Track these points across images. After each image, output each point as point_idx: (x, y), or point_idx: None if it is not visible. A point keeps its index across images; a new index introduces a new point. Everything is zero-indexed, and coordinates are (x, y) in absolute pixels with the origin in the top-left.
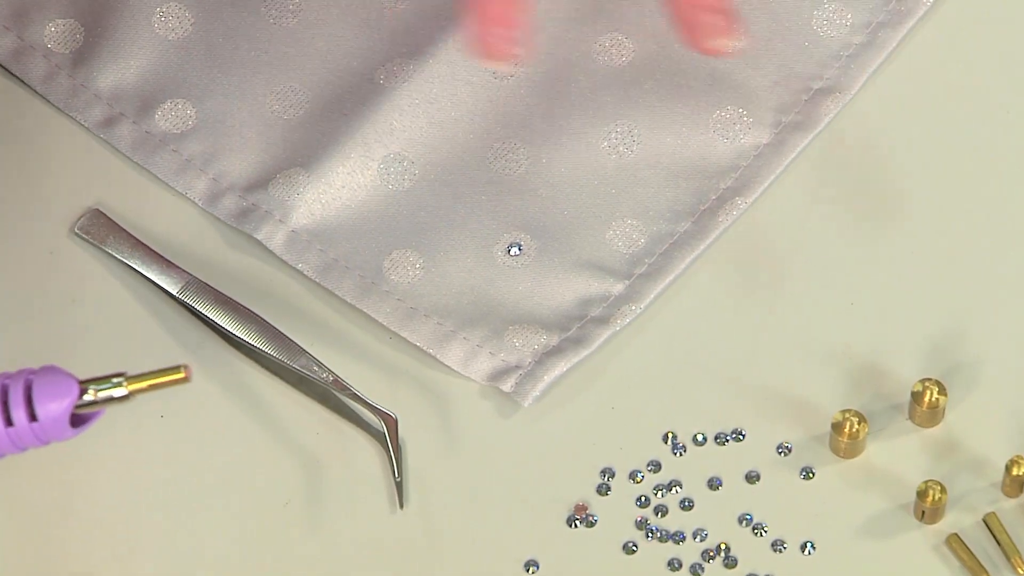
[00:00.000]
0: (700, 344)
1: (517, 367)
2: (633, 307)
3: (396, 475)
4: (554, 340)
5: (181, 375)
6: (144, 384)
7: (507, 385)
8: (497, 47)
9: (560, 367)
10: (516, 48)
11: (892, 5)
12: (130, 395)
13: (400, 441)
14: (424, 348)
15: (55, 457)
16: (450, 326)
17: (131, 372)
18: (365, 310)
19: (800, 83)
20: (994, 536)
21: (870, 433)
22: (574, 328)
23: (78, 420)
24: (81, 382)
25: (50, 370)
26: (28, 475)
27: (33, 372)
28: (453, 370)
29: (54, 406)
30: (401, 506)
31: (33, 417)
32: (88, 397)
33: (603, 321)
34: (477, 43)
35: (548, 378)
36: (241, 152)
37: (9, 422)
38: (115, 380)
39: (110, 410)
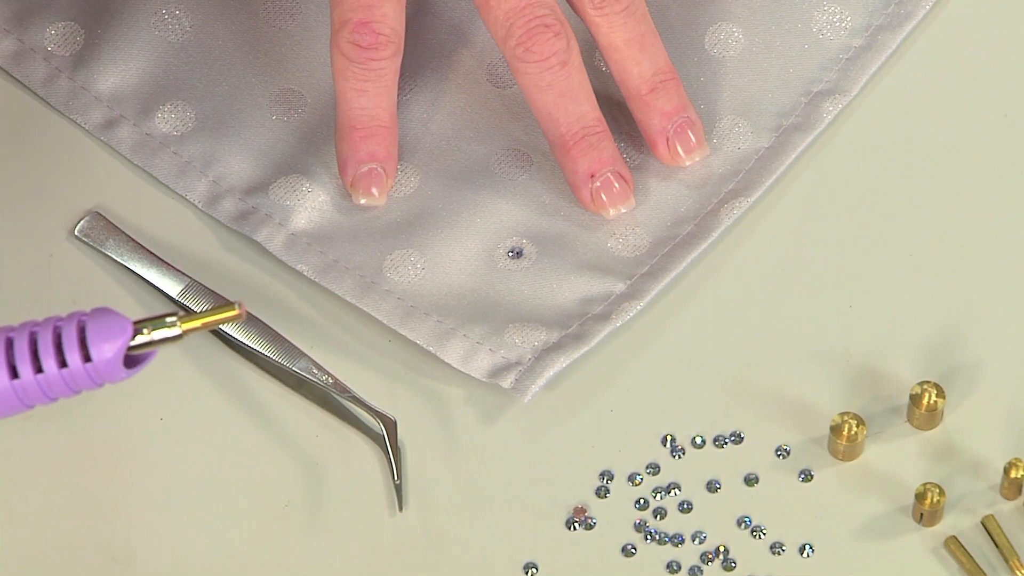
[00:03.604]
0: (699, 347)
1: (517, 363)
2: (634, 304)
3: (395, 477)
4: (554, 337)
5: (235, 311)
6: (198, 323)
7: (507, 381)
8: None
9: (560, 362)
10: (381, 183)
11: (891, 8)
12: (184, 335)
13: (399, 444)
14: (424, 346)
15: (55, 457)
16: (450, 324)
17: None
18: (365, 308)
19: (800, 86)
20: (992, 538)
21: (869, 436)
22: (574, 325)
23: (132, 361)
24: (135, 323)
25: (103, 311)
26: (28, 474)
27: (86, 314)
28: (453, 372)
29: (107, 347)
30: (400, 508)
31: (87, 358)
32: (142, 338)
33: (603, 318)
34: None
35: (548, 373)
36: (241, 155)
37: (63, 364)
38: (169, 320)
39: (108, 410)
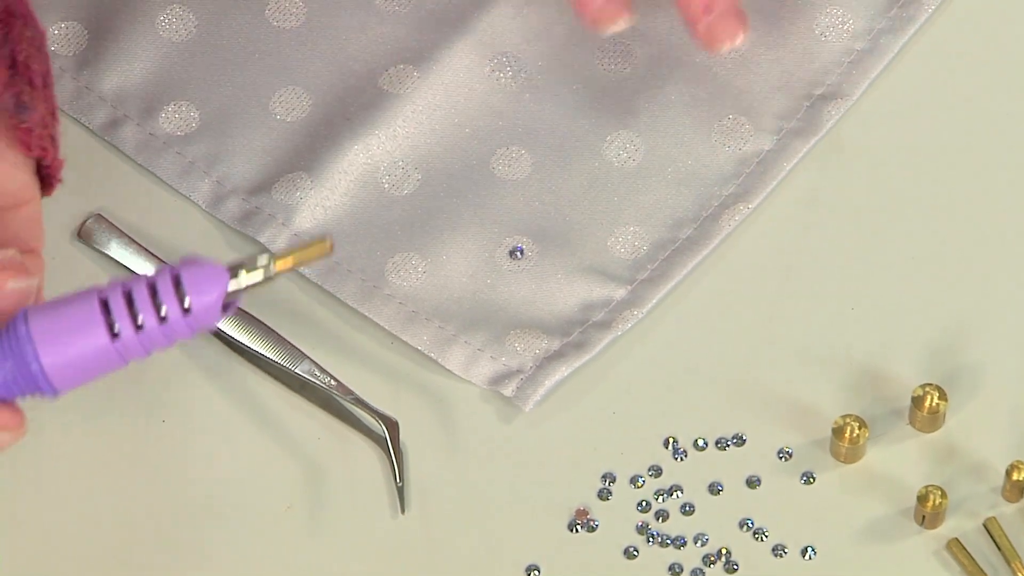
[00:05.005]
0: (701, 349)
1: (518, 371)
2: (635, 312)
3: (397, 480)
4: (555, 344)
5: (325, 246)
6: (290, 262)
7: (508, 389)
8: (603, 12)
9: (561, 371)
10: (620, 9)
11: (894, 11)
12: (278, 274)
13: (401, 446)
14: (425, 352)
15: (56, 460)
16: (451, 330)
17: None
18: (367, 313)
19: (802, 89)
20: (994, 541)
21: (871, 438)
22: (575, 332)
23: (224, 306)
24: (228, 267)
25: (193, 261)
26: (29, 477)
27: (178, 266)
28: (454, 374)
29: (206, 296)
30: (402, 511)
31: (185, 310)
32: (237, 282)
33: (604, 326)
34: (583, 12)
35: (549, 382)
36: (244, 155)
37: (162, 318)
38: (261, 262)
39: (110, 413)
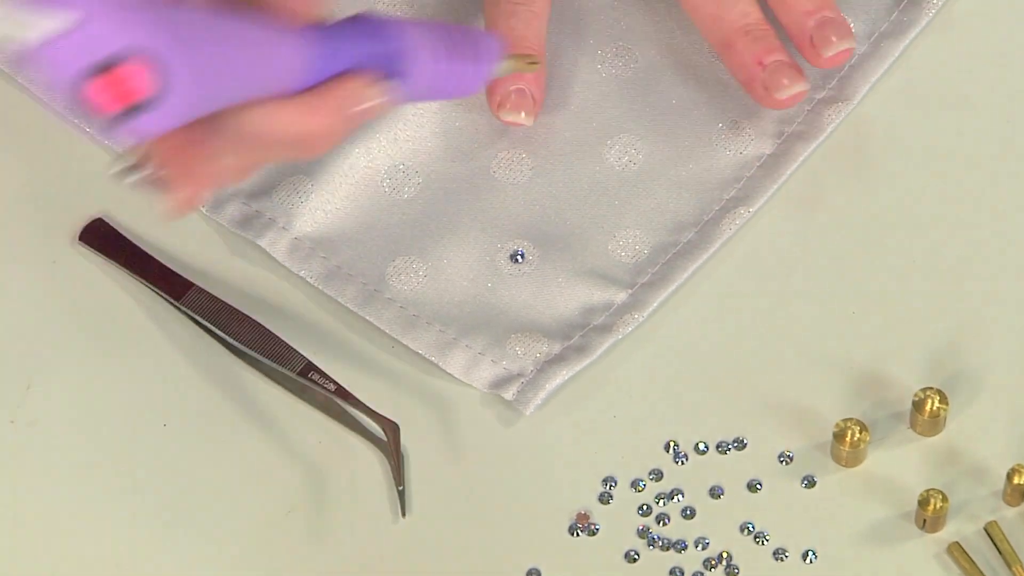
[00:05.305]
0: (702, 352)
1: (519, 375)
2: (636, 315)
3: (398, 483)
4: (556, 348)
5: (535, 62)
6: (511, 65)
7: (509, 393)
8: (508, 100)
9: (562, 375)
10: (525, 104)
11: (895, 15)
12: (502, 71)
13: (402, 449)
14: (426, 356)
15: (57, 461)
16: (452, 334)
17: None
18: (367, 317)
19: None
20: (995, 544)
21: (871, 442)
22: (576, 336)
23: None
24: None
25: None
26: (30, 480)
27: (474, 30)
28: (455, 378)
29: (486, 61)
30: (403, 514)
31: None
32: (501, 65)
33: (605, 329)
34: (491, 94)
35: (550, 386)
36: None
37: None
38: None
39: (112, 416)
